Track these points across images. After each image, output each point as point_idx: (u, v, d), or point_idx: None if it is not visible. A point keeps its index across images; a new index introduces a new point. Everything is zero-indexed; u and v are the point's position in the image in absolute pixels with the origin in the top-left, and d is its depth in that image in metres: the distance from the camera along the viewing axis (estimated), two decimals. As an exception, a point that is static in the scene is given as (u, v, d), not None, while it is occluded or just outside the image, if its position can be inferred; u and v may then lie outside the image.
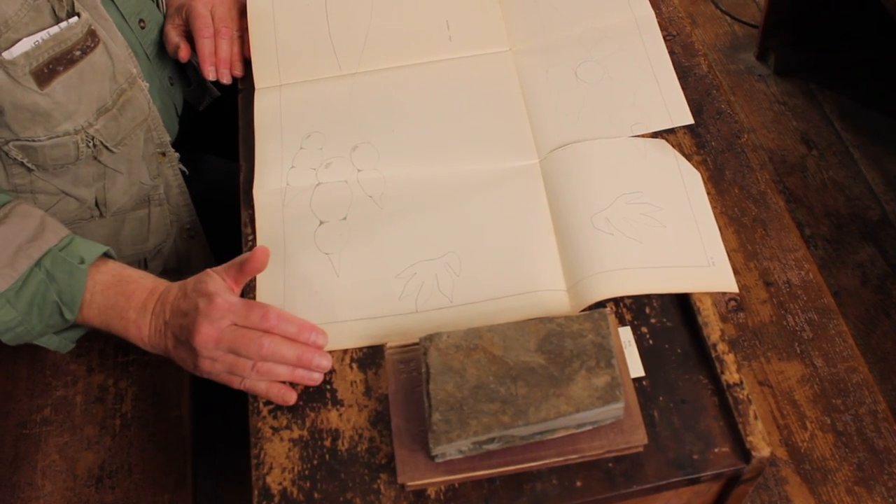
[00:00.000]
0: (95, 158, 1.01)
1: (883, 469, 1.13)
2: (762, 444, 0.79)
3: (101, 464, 1.12)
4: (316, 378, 0.85)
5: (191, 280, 0.88)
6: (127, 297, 0.90)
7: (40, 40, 0.89)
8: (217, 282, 0.86)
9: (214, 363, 0.85)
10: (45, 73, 0.90)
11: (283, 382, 0.85)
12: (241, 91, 1.10)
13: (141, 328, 0.90)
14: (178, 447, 1.13)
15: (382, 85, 1.05)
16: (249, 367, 0.84)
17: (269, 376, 0.84)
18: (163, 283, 0.91)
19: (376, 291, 0.90)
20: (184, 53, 1.10)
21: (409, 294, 0.90)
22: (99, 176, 1.03)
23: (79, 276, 0.88)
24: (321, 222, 0.95)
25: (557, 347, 0.78)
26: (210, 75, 1.09)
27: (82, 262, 0.89)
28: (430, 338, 0.79)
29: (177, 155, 1.11)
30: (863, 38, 2.03)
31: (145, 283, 0.91)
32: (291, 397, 0.84)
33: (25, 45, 0.88)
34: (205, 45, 1.08)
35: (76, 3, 0.91)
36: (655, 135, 1.00)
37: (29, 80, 0.89)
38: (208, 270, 0.88)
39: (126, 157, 1.04)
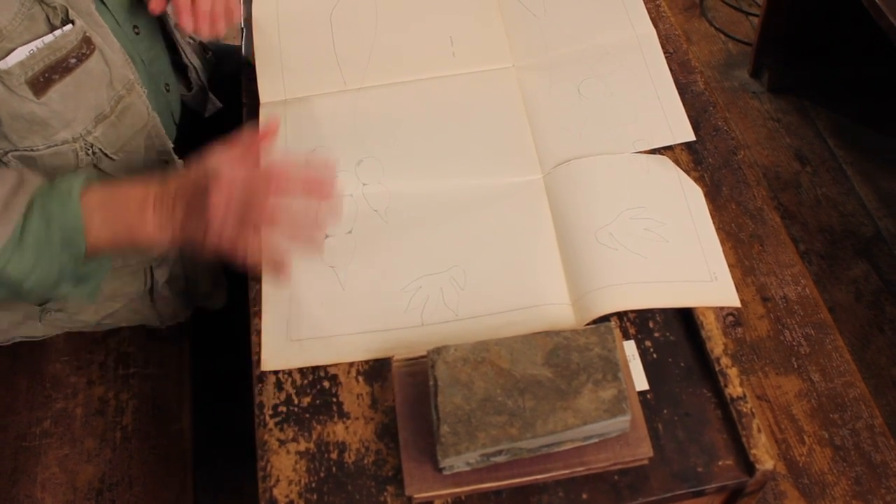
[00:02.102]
0: (95, 166, 1.00)
1: (881, 483, 1.14)
2: (766, 456, 0.80)
3: (101, 476, 1.11)
4: (318, 242, 0.90)
5: (195, 170, 0.91)
6: (123, 205, 0.91)
7: (35, 49, 0.88)
8: (222, 158, 0.89)
9: (224, 228, 0.87)
10: (41, 81, 0.90)
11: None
12: (245, 105, 1.10)
13: (146, 224, 0.90)
14: (179, 460, 1.13)
15: (387, 100, 1.06)
16: (250, 239, 0.87)
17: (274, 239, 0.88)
18: (153, 183, 0.92)
19: (382, 305, 0.91)
20: (155, 4, 1.03)
21: (415, 307, 0.90)
22: None
23: (72, 206, 0.88)
24: (326, 236, 0.96)
25: (564, 360, 0.78)
26: (188, 27, 1.03)
27: (70, 193, 0.89)
28: (438, 351, 0.80)
29: (180, 162, 1.11)
30: (856, 56, 2.06)
31: (135, 187, 0.92)
32: (286, 273, 0.90)
33: (20, 54, 0.87)
34: None
35: (70, 11, 0.91)
36: (655, 151, 1.01)
37: (25, 89, 0.89)
38: (212, 151, 0.92)
39: (126, 165, 1.03)
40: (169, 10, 1.07)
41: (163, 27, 1.14)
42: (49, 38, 0.89)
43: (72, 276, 0.93)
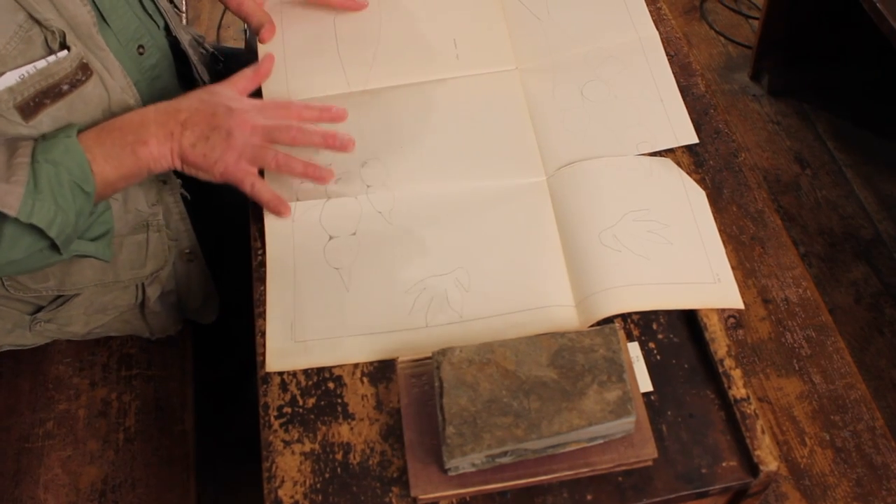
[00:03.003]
0: None
1: (882, 485, 1.14)
2: (769, 458, 0.80)
3: (104, 478, 1.11)
4: (326, 177, 0.97)
5: (195, 93, 0.97)
6: (120, 131, 0.93)
7: (26, 74, 0.87)
8: (228, 89, 0.97)
9: (241, 159, 0.94)
10: (31, 106, 0.89)
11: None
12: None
13: (147, 140, 0.92)
14: (182, 462, 1.13)
15: (391, 102, 1.06)
16: (271, 157, 0.95)
17: (287, 168, 0.95)
18: (149, 107, 0.95)
19: (386, 306, 0.91)
20: (267, 34, 1.12)
21: (419, 309, 0.90)
22: None
23: (74, 148, 0.89)
24: (331, 237, 0.96)
25: (569, 362, 0.79)
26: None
27: (69, 136, 0.90)
28: (443, 352, 0.80)
29: (178, 181, 1.10)
30: (856, 59, 2.06)
31: (129, 115, 0.95)
32: (287, 210, 0.96)
33: (9, 79, 0.86)
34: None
35: (69, 36, 0.90)
36: (658, 153, 1.01)
37: (13, 113, 0.87)
38: (214, 86, 0.98)
39: None
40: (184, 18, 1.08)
41: (174, 47, 1.13)
42: (42, 63, 0.88)
43: (86, 221, 0.94)
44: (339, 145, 0.98)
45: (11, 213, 0.84)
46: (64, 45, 0.90)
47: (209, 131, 0.93)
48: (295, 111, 0.98)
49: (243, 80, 1.01)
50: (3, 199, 0.83)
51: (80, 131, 0.92)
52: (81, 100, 0.93)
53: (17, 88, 0.87)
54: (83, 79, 0.92)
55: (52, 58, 0.89)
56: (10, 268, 0.93)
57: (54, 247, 0.91)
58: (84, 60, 0.92)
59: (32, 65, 0.88)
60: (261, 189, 0.96)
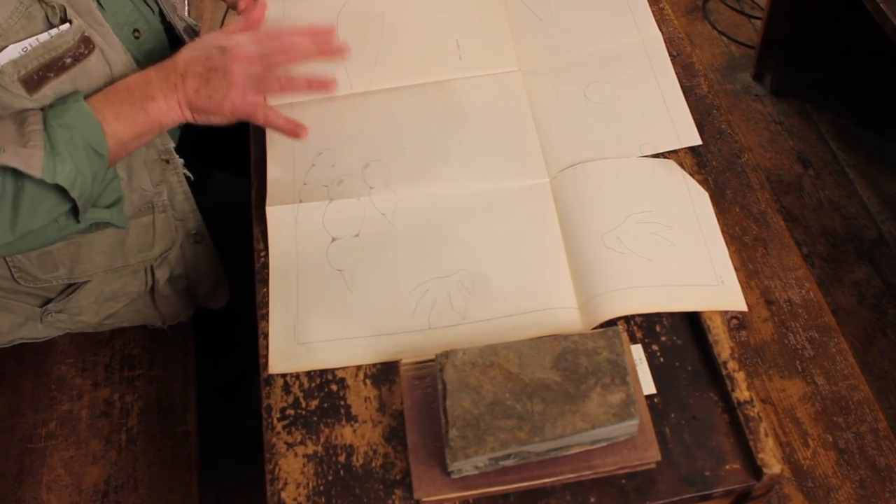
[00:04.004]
0: None
1: (885, 487, 1.14)
2: (773, 460, 0.80)
3: (106, 478, 1.12)
4: (331, 86, 0.99)
5: (186, 46, 0.98)
6: (126, 91, 0.94)
7: (29, 47, 0.88)
8: (217, 33, 0.99)
9: (246, 89, 0.95)
10: (35, 79, 0.89)
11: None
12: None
13: (154, 96, 0.93)
14: (185, 462, 1.13)
15: (393, 103, 1.06)
16: (274, 81, 0.96)
17: (291, 88, 0.97)
18: (149, 68, 0.97)
19: (389, 308, 0.91)
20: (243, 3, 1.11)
21: (422, 311, 0.90)
22: None
23: (84, 111, 0.90)
24: (333, 239, 0.96)
25: (572, 364, 0.79)
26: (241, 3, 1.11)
27: (77, 101, 0.91)
28: (447, 354, 0.80)
29: (181, 161, 1.11)
30: (858, 59, 2.06)
31: (132, 76, 0.96)
32: (304, 129, 0.98)
33: (13, 52, 0.87)
34: None
35: (69, 10, 0.91)
36: (660, 154, 1.01)
37: (18, 86, 0.88)
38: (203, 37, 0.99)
39: (126, 163, 1.03)
40: (184, 6, 1.09)
41: (169, 33, 1.14)
42: (44, 36, 0.89)
43: (100, 185, 0.95)
44: (335, 51, 1.01)
45: (36, 174, 0.84)
46: (65, 20, 0.91)
47: (208, 73, 0.94)
48: (287, 36, 1.00)
49: (233, 26, 1.04)
50: (26, 162, 0.84)
51: (86, 97, 0.92)
52: (85, 74, 0.94)
53: (21, 61, 0.88)
54: (86, 52, 0.93)
55: (54, 31, 0.90)
56: (26, 241, 0.93)
57: (72, 213, 0.92)
58: (86, 34, 0.93)
59: (35, 38, 0.89)
60: (273, 117, 0.98)
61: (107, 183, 0.97)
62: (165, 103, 0.94)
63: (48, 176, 0.85)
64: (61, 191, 0.87)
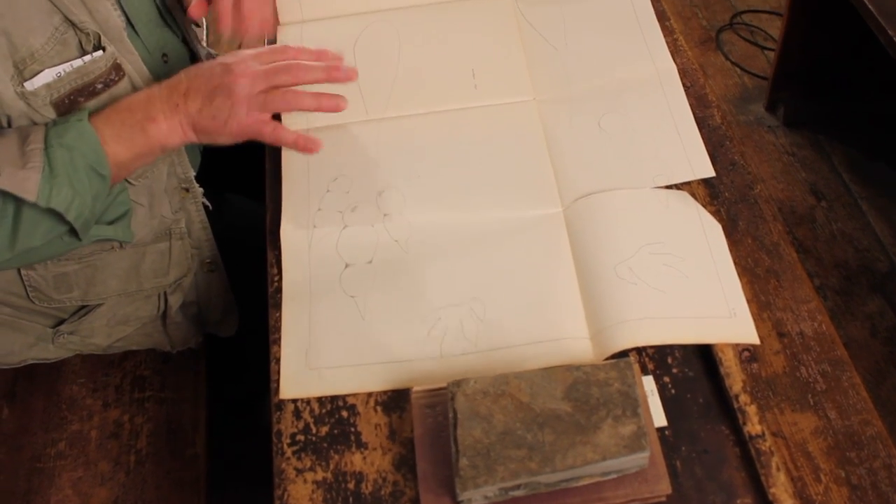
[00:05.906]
0: None
1: (898, 524, 1.13)
2: (785, 495, 0.80)
3: (114, 500, 1.11)
4: (341, 104, 0.97)
5: (192, 66, 0.97)
6: (128, 111, 0.93)
7: (63, 72, 0.90)
8: (220, 58, 0.97)
9: (251, 108, 0.93)
10: (66, 103, 0.91)
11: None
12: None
13: (155, 118, 0.92)
14: (193, 485, 1.13)
15: (408, 131, 1.07)
16: (279, 98, 0.94)
17: (297, 104, 0.96)
18: (153, 86, 0.95)
19: (401, 335, 0.91)
20: (195, 9, 1.06)
21: (434, 339, 0.90)
22: None
23: (86, 131, 0.89)
24: (347, 265, 0.96)
25: (584, 395, 0.78)
26: (226, 31, 1.06)
27: (80, 120, 0.90)
28: (458, 383, 0.80)
29: (201, 190, 1.12)
30: (871, 91, 2.06)
31: (135, 94, 0.95)
32: (317, 143, 0.97)
33: (47, 76, 0.89)
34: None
35: (103, 38, 0.92)
36: (673, 185, 1.01)
37: (49, 109, 0.90)
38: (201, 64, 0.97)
39: (147, 190, 1.04)
40: (202, 34, 1.09)
41: (193, 58, 1.15)
42: (78, 62, 0.91)
43: (103, 204, 0.95)
44: (342, 76, 0.98)
45: (30, 198, 0.84)
46: (99, 47, 0.92)
47: (211, 92, 0.93)
48: (291, 53, 0.98)
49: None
50: (21, 185, 0.84)
51: (91, 114, 0.93)
52: (113, 100, 0.95)
53: (54, 85, 0.90)
54: (116, 79, 0.94)
55: (87, 57, 0.91)
56: (29, 256, 0.94)
57: (72, 232, 0.92)
58: (118, 61, 0.94)
59: (69, 63, 0.90)
60: (282, 133, 0.96)
61: (112, 198, 0.98)
62: (167, 124, 0.93)
63: (43, 200, 0.85)
64: (58, 213, 0.88)
